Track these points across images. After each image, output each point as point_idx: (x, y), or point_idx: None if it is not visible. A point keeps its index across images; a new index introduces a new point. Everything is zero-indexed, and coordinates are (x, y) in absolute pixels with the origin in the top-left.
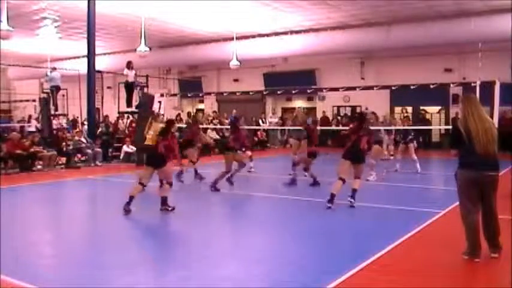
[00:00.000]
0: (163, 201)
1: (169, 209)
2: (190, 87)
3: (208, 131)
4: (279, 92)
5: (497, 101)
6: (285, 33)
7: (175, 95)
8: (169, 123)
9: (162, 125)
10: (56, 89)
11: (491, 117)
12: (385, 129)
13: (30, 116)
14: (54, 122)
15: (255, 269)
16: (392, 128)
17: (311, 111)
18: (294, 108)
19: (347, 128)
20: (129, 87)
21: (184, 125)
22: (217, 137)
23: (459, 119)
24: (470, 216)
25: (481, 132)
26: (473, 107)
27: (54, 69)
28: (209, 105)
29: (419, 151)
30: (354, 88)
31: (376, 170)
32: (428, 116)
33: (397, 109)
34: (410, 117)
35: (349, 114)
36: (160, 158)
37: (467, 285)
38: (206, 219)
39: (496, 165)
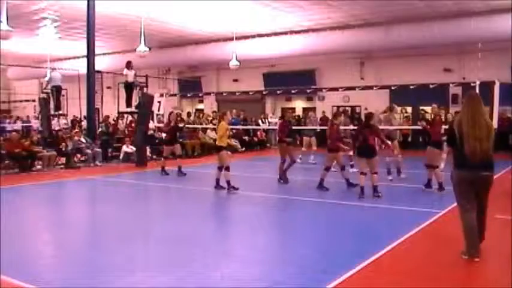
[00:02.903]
0: (375, 188)
1: (379, 195)
2: (190, 87)
3: (208, 131)
4: (278, 92)
5: (496, 101)
6: (285, 33)
7: (174, 95)
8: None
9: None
10: (56, 89)
11: (491, 117)
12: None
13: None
14: (63, 121)
15: (255, 269)
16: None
17: (311, 111)
18: (293, 108)
19: (346, 128)
20: (129, 87)
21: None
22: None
23: (456, 119)
24: (467, 214)
25: (471, 136)
26: (471, 108)
27: (53, 69)
28: (209, 105)
29: (419, 151)
30: (353, 88)
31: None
32: (428, 116)
33: (397, 109)
34: (410, 117)
35: (349, 114)
36: (372, 150)
37: (467, 285)
38: (206, 218)
39: (489, 166)
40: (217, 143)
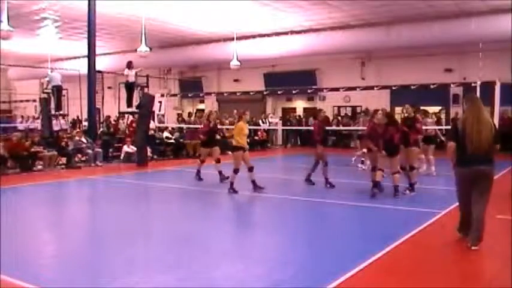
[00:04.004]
0: (396, 188)
1: (399, 195)
2: (191, 87)
3: None
4: (279, 92)
5: (497, 101)
6: (285, 33)
7: (175, 95)
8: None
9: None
10: (56, 89)
11: (492, 117)
12: None
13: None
14: (63, 121)
15: (255, 269)
16: None
17: (311, 111)
18: (294, 109)
19: (348, 128)
20: (130, 87)
21: (186, 126)
22: (218, 137)
23: (461, 117)
24: (461, 203)
25: (475, 133)
26: (475, 108)
27: (52, 69)
28: (209, 106)
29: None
30: (354, 88)
31: None
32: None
33: (398, 109)
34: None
35: (349, 114)
36: (396, 148)
37: (467, 285)
38: (206, 219)
39: (488, 161)
40: (234, 143)
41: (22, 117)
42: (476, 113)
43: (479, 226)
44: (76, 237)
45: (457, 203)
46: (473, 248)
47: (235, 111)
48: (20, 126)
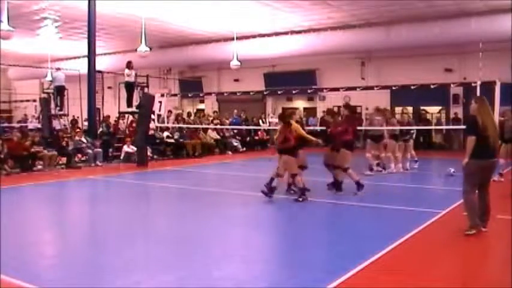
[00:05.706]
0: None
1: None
2: (191, 87)
3: (209, 131)
4: (279, 92)
5: (497, 101)
6: (285, 33)
7: (175, 95)
8: None
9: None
10: (58, 89)
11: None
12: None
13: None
14: (62, 121)
15: (255, 269)
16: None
17: (311, 111)
18: (295, 108)
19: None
20: (130, 87)
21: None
22: (218, 137)
23: (475, 115)
24: (470, 197)
25: (491, 128)
26: (487, 107)
27: (58, 69)
28: (209, 105)
29: (420, 151)
30: (354, 88)
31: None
32: (428, 116)
33: (398, 109)
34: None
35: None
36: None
37: (467, 285)
38: (206, 219)
39: (496, 153)
40: (287, 145)
41: (32, 116)
42: (489, 111)
43: (487, 208)
44: (76, 237)
45: (457, 203)
46: (484, 230)
47: (235, 111)
48: (30, 125)
